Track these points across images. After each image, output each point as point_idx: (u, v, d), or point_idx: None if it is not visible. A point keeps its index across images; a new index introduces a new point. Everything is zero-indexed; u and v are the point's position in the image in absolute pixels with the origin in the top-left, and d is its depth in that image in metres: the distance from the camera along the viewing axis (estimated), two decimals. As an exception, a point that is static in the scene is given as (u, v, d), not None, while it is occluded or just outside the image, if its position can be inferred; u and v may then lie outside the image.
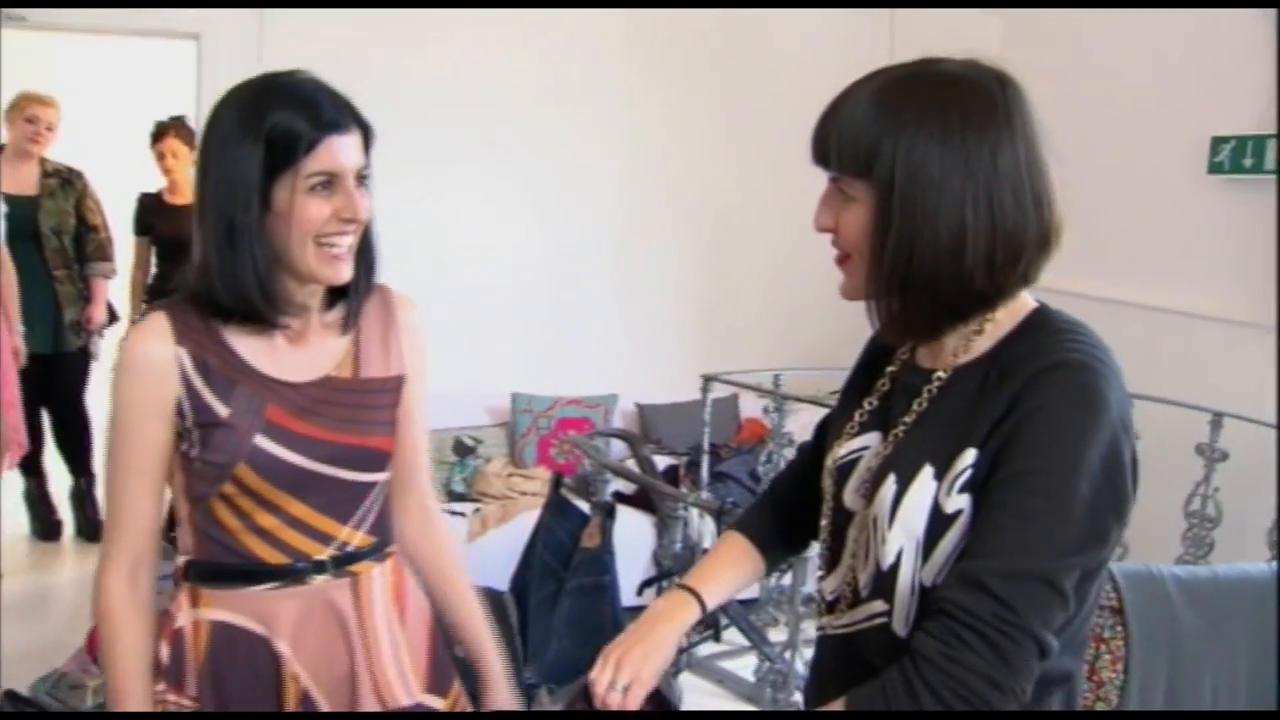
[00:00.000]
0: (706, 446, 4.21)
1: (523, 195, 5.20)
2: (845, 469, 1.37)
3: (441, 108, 5.01)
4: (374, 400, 1.64)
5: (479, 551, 4.19)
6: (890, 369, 1.39)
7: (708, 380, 4.12)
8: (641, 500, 4.20)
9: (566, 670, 2.97)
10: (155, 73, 5.82)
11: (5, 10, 4.44)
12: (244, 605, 1.58)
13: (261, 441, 1.53)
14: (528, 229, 5.24)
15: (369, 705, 1.62)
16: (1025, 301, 1.28)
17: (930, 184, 1.19)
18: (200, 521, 1.58)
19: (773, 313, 5.31)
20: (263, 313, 1.54)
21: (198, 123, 4.75)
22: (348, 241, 1.53)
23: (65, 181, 4.74)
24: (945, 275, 1.21)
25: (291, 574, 1.58)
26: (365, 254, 1.62)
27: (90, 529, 4.94)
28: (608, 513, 3.09)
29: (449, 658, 1.78)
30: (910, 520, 1.22)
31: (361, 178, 1.53)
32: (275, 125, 1.46)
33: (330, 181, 1.49)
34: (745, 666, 3.61)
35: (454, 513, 4.48)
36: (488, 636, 1.81)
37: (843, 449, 1.38)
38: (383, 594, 1.66)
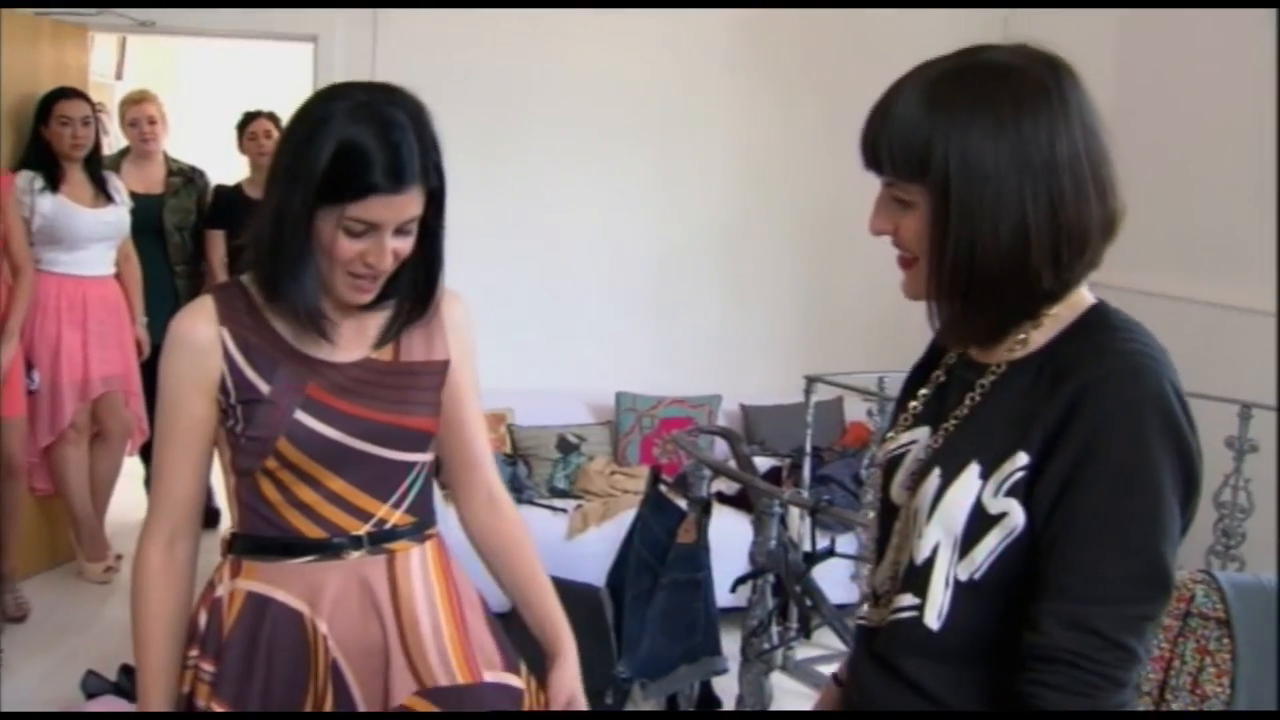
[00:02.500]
0: (809, 449, 4.15)
1: (629, 195, 5.21)
2: (894, 462, 1.34)
3: (550, 107, 5.06)
4: (415, 382, 1.67)
5: (578, 548, 4.21)
6: (946, 361, 1.36)
7: (811, 382, 4.07)
8: (740, 500, 4.17)
9: (659, 665, 2.96)
10: (274, 74, 6.02)
11: (119, 10, 4.60)
12: (282, 577, 1.61)
13: (301, 416, 1.57)
14: (634, 228, 5.25)
15: (402, 682, 1.62)
16: (1083, 296, 1.24)
17: (986, 182, 1.15)
18: (245, 495, 1.63)
19: (878, 314, 5.19)
20: (295, 303, 1.57)
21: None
22: (375, 277, 1.56)
23: (188, 180, 4.89)
24: (1010, 276, 1.17)
25: (328, 548, 1.61)
26: (423, 286, 1.64)
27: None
28: (704, 509, 3.07)
29: (510, 645, 1.78)
30: (950, 516, 1.20)
31: (405, 229, 1.54)
32: (350, 143, 1.47)
33: (367, 230, 1.51)
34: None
35: (555, 509, 4.51)
36: (561, 618, 1.79)
37: (893, 443, 1.36)
38: (423, 575, 1.67)
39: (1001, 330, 1.23)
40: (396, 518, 1.65)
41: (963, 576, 1.19)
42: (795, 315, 5.39)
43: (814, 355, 4.95)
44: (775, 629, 2.92)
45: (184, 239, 4.83)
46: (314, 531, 1.61)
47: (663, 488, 3.26)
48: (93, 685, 3.40)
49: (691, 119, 5.18)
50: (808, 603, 2.64)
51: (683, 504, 3.19)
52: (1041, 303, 1.20)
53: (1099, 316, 1.22)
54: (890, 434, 1.38)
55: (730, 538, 3.69)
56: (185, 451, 1.62)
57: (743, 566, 3.36)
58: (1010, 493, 1.15)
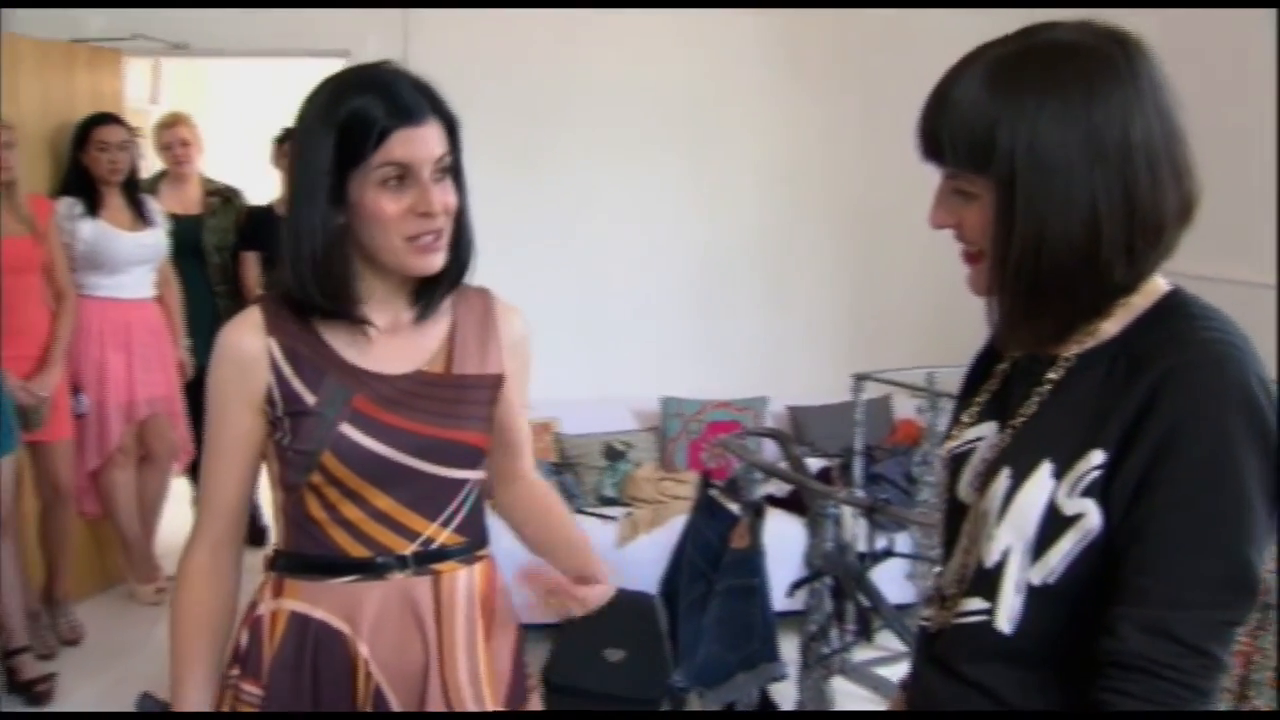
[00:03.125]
0: (860, 448, 4.08)
1: (668, 199, 5.17)
2: (960, 459, 1.28)
3: (587, 113, 5.03)
4: (467, 396, 1.61)
5: (629, 555, 4.16)
6: (1014, 353, 1.28)
7: (859, 380, 4.00)
8: (793, 502, 4.10)
9: (716, 673, 2.90)
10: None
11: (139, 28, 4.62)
12: (324, 597, 1.57)
13: (347, 430, 1.52)
14: (676, 231, 5.20)
15: (435, 706, 1.58)
16: (1157, 283, 1.16)
17: (1056, 172, 1.08)
18: (291, 511, 1.59)
19: (924, 309, 5.13)
20: (328, 310, 1.53)
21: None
22: (433, 234, 1.50)
23: (226, 200, 4.90)
24: (1080, 271, 1.10)
25: (371, 568, 1.57)
26: (457, 247, 1.57)
27: (250, 534, 5.09)
28: (756, 512, 3.01)
29: (527, 680, 1.73)
30: (1022, 519, 1.13)
31: (442, 170, 1.50)
32: (351, 112, 1.45)
33: (403, 176, 1.46)
34: (901, 673, 3.46)
35: (604, 517, 4.47)
36: (595, 556, 1.72)
37: (959, 438, 1.29)
38: (467, 598, 1.62)
39: (1069, 329, 1.16)
40: (445, 537, 1.59)
41: (1036, 580, 1.13)
42: (839, 313, 5.32)
43: (859, 353, 4.88)
44: (834, 633, 2.85)
45: (224, 259, 4.83)
46: (358, 550, 1.56)
47: (713, 493, 3.21)
48: (147, 705, 3.39)
49: (729, 120, 5.13)
50: (867, 604, 2.57)
51: (734, 508, 3.13)
52: (1113, 297, 1.14)
53: (1177, 303, 1.15)
54: (955, 429, 1.31)
55: (784, 541, 3.62)
56: (232, 464, 1.59)
57: (798, 570, 3.29)
58: (1086, 493, 1.09)
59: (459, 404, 1.59)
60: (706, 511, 3.17)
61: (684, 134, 5.11)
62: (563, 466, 4.73)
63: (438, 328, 1.61)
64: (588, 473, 4.76)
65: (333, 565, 1.57)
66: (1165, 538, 1.05)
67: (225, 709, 1.61)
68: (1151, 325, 1.13)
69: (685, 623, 3.07)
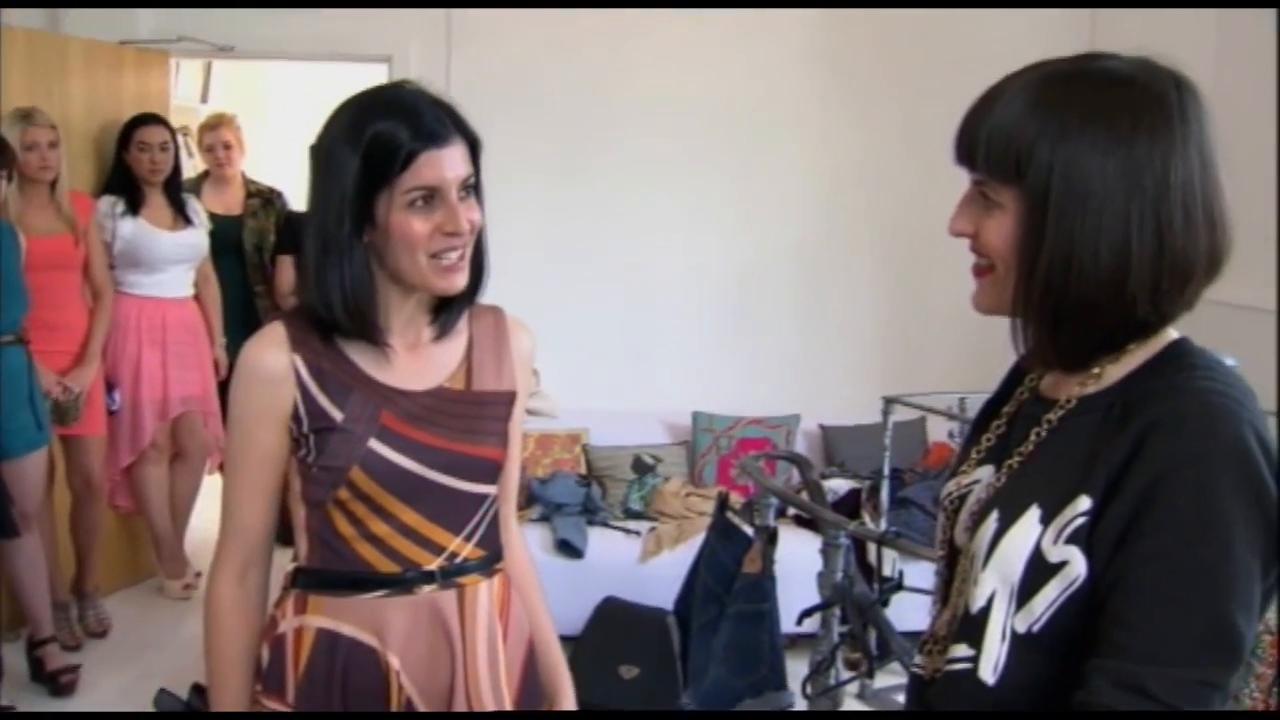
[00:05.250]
0: (887, 471, 4.03)
1: (707, 212, 5.14)
2: (958, 502, 1.25)
3: (629, 124, 5.02)
4: (486, 411, 1.63)
5: (651, 571, 4.14)
6: (1019, 395, 1.27)
7: (889, 402, 3.95)
8: (816, 523, 4.05)
9: (723, 698, 2.87)
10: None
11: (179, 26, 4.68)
12: (351, 613, 1.57)
13: (376, 445, 1.53)
14: (714, 244, 5.17)
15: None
16: (1166, 332, 1.14)
17: (1091, 197, 1.07)
18: (316, 527, 1.59)
19: (962, 332, 5.03)
20: (351, 329, 1.54)
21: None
22: (458, 252, 1.52)
23: (267, 201, 4.95)
24: (1104, 301, 1.09)
25: (400, 583, 1.57)
26: (473, 265, 1.58)
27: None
28: (769, 538, 2.98)
29: (538, 682, 1.75)
30: (1007, 563, 1.11)
31: (466, 188, 1.51)
32: (375, 136, 1.46)
33: (430, 196, 1.48)
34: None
35: (629, 531, 4.45)
36: (561, 663, 1.79)
37: (959, 481, 1.27)
38: (488, 609, 1.63)
39: (1090, 355, 1.14)
40: (467, 551, 1.61)
41: (1020, 628, 1.10)
42: (877, 333, 5.25)
43: (896, 374, 4.82)
44: (841, 664, 2.81)
45: (263, 259, 4.89)
46: (386, 565, 1.57)
47: (730, 514, 3.18)
48: (165, 703, 3.43)
49: (771, 135, 5.09)
50: (871, 638, 2.52)
51: (750, 531, 3.10)
52: (1132, 333, 1.12)
53: (1180, 352, 1.12)
54: (960, 471, 1.29)
55: (804, 566, 3.57)
56: (256, 482, 1.60)
57: (816, 595, 3.25)
58: (1071, 540, 1.06)
59: (479, 419, 1.61)
60: (722, 533, 3.14)
61: (725, 148, 5.07)
62: (589, 478, 4.72)
63: (456, 345, 1.63)
64: (615, 485, 4.74)
65: (361, 581, 1.57)
66: (1143, 590, 1.02)
67: None
68: (1150, 373, 1.11)
69: (697, 645, 3.05)
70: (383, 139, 1.46)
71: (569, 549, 4.23)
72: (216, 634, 1.62)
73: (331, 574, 1.58)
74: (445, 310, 1.61)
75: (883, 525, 3.73)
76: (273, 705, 1.59)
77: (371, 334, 1.55)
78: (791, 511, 4.18)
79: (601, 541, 4.36)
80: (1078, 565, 1.06)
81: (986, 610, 1.12)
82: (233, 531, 1.62)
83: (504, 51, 4.88)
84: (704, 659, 2.97)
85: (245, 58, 4.98)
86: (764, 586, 2.91)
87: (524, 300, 5.24)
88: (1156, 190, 1.06)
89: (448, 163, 1.47)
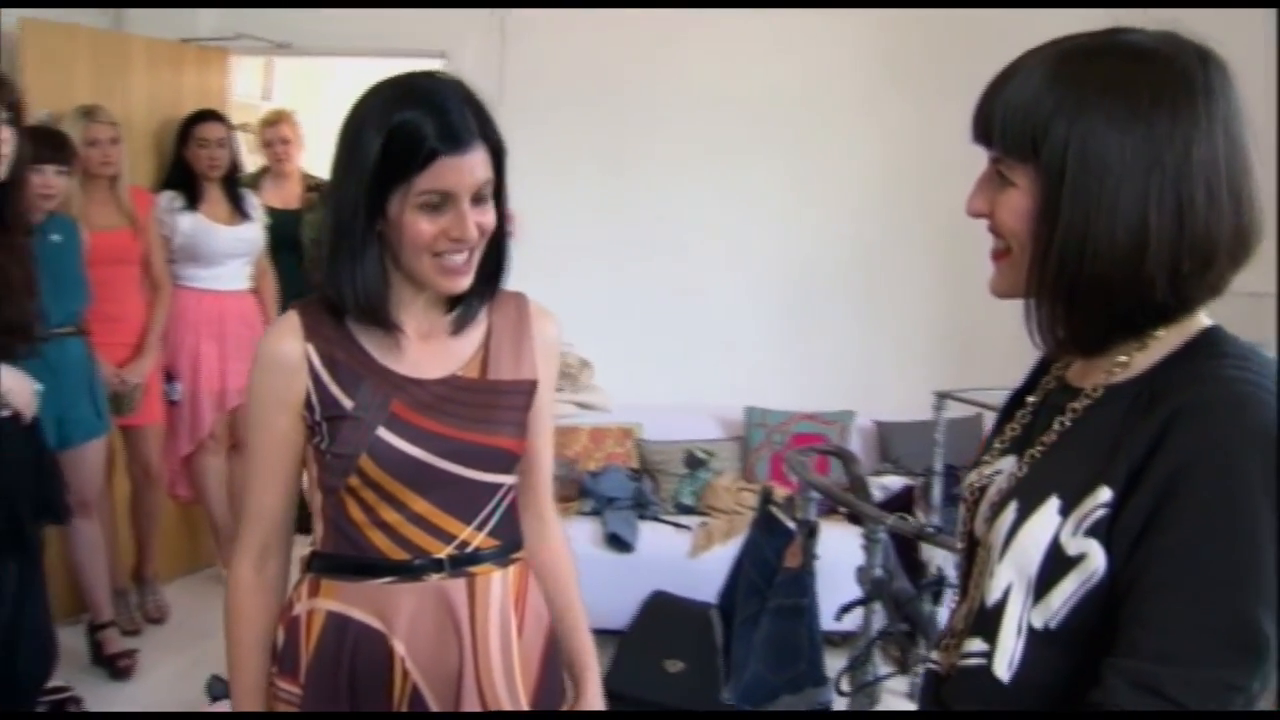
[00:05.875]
0: (940, 468, 3.97)
1: (761, 207, 5.11)
2: (979, 493, 1.22)
3: (682, 118, 5.00)
4: (501, 401, 1.62)
5: (701, 565, 4.13)
6: (1045, 385, 1.23)
7: (941, 397, 3.89)
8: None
9: (761, 693, 2.85)
10: None
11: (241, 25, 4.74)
12: (360, 597, 1.58)
13: (384, 434, 1.54)
14: (768, 239, 5.14)
15: (470, 706, 1.59)
16: (1198, 320, 1.09)
17: (1108, 174, 1.03)
18: (330, 513, 1.60)
19: (1020, 327, 4.97)
20: (363, 318, 1.54)
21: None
22: (463, 256, 1.52)
23: (324, 196, 5.00)
24: (1120, 281, 1.05)
25: (409, 570, 1.58)
26: (491, 262, 1.59)
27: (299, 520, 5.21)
28: (809, 532, 2.94)
29: (560, 676, 1.74)
30: (1023, 555, 1.07)
31: (482, 194, 1.50)
32: (401, 125, 1.45)
33: (442, 200, 1.47)
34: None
35: (679, 525, 4.44)
36: (590, 654, 1.77)
37: (980, 472, 1.24)
38: (501, 599, 1.63)
39: (1105, 341, 1.10)
40: (479, 540, 1.60)
41: (1037, 623, 1.06)
42: (932, 328, 5.18)
43: (954, 369, 4.75)
44: (880, 660, 2.77)
45: (320, 253, 4.93)
46: (396, 553, 1.58)
47: (773, 508, 3.15)
48: (217, 690, 3.49)
49: (825, 129, 5.05)
50: (906, 633, 2.49)
51: (793, 525, 3.07)
52: (1152, 319, 1.08)
53: (1210, 340, 1.08)
54: (982, 461, 1.26)
55: (854, 556, 3.54)
56: (274, 469, 1.61)
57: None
58: (1091, 532, 1.02)
59: (493, 409, 1.60)
60: (765, 527, 3.11)
61: (779, 142, 5.04)
62: (641, 472, 4.72)
63: (473, 333, 1.63)
64: (667, 480, 4.73)
65: (370, 567, 1.58)
66: (1162, 586, 0.97)
67: (270, 707, 1.64)
68: (1179, 361, 1.07)
69: (738, 639, 3.03)
70: (407, 129, 1.44)
71: (619, 543, 4.23)
72: (235, 618, 1.63)
73: (343, 559, 1.60)
74: (461, 303, 1.61)
75: (935, 522, 3.67)
76: (286, 686, 1.61)
77: (383, 323, 1.55)
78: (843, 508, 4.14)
79: (652, 535, 4.36)
80: (1096, 559, 1.02)
81: (1002, 604, 1.09)
82: (251, 517, 1.64)
83: (557, 47, 4.89)
84: (744, 654, 2.95)
85: (302, 54, 5.04)
86: (804, 581, 2.88)
87: (577, 293, 5.29)
88: (1177, 168, 1.02)
89: (466, 168, 1.46)
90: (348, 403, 1.54)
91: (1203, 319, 1.10)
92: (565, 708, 1.73)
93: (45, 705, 3.20)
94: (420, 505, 1.57)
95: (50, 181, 3.48)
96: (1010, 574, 1.08)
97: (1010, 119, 1.08)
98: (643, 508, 4.53)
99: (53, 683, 3.31)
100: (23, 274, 2.50)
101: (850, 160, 5.07)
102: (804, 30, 4.95)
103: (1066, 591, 1.04)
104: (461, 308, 1.61)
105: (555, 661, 1.74)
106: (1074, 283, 1.06)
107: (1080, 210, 1.04)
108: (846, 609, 2.58)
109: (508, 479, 1.63)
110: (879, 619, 2.52)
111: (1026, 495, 1.10)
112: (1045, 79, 1.06)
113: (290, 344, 1.56)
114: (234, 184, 4.41)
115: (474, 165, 1.46)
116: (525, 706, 1.64)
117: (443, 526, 1.58)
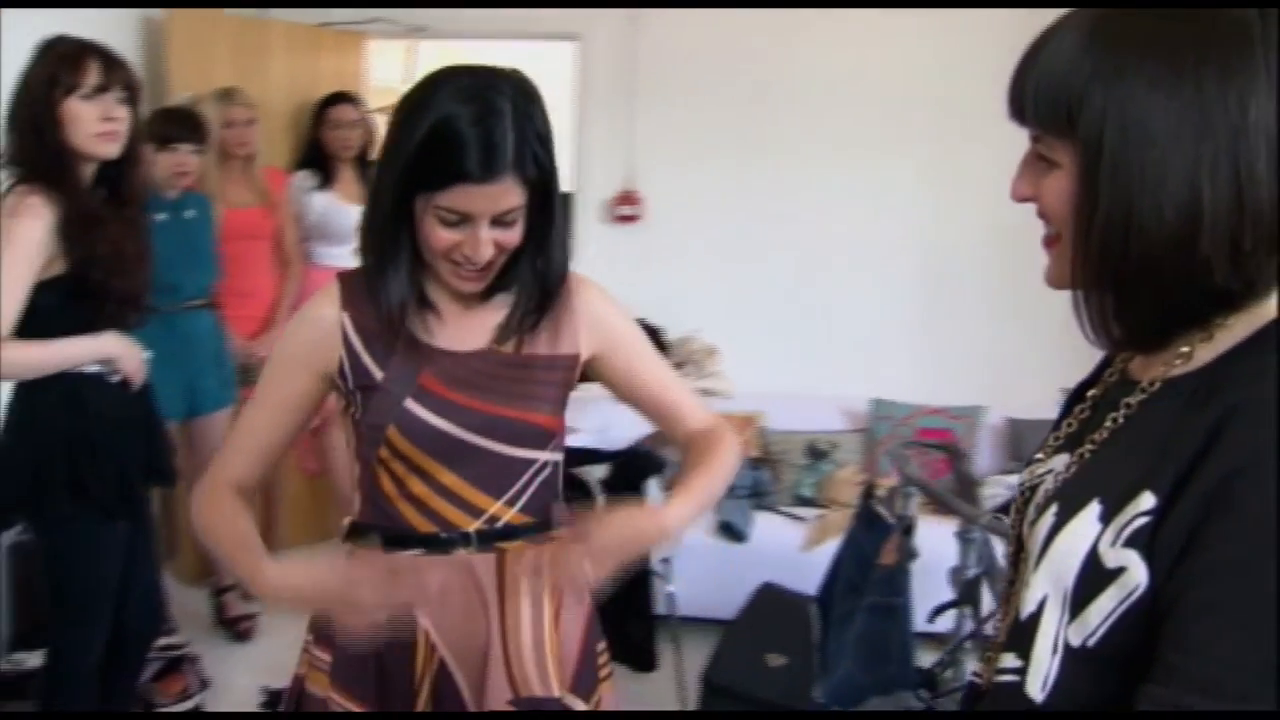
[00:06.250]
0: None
1: (894, 195, 4.97)
2: (1029, 494, 1.12)
3: (815, 106, 4.90)
4: (538, 376, 1.60)
5: (814, 559, 4.03)
6: (1107, 378, 1.13)
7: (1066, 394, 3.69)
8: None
9: (851, 693, 2.76)
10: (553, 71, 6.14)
11: (380, 13, 4.83)
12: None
13: (411, 406, 1.53)
14: (901, 229, 4.99)
15: (497, 685, 1.58)
16: (1269, 307, 0.96)
17: (1151, 143, 0.91)
18: (365, 485, 1.62)
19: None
20: (390, 284, 1.53)
21: (575, 121, 4.94)
22: (477, 268, 1.50)
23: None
24: (1172, 264, 0.93)
25: (436, 543, 1.58)
26: (537, 276, 1.56)
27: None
28: (906, 529, 2.83)
29: (596, 663, 1.72)
30: (1060, 565, 0.96)
31: (505, 220, 1.46)
32: (437, 132, 1.40)
33: (460, 220, 1.45)
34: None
35: (795, 517, 4.36)
36: (698, 484, 1.63)
37: (1034, 471, 1.13)
38: (534, 577, 1.61)
39: (1162, 334, 0.99)
40: (511, 515, 1.60)
41: (1075, 641, 0.94)
42: (1070, 323, 4.92)
43: (1090, 366, 4.52)
44: (969, 664, 2.65)
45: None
46: (424, 525, 1.58)
47: (874, 502, 3.05)
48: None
49: (960, 119, 4.85)
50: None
51: (892, 521, 2.96)
52: (1215, 305, 0.96)
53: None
54: (1035, 459, 1.16)
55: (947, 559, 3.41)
56: (274, 417, 1.61)
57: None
58: (1131, 543, 0.91)
59: (527, 384, 1.59)
60: (866, 522, 3.01)
61: (913, 130, 4.88)
62: (761, 462, 4.64)
63: (507, 307, 1.60)
64: (787, 470, 4.65)
65: (400, 538, 1.59)
66: (1206, 609, 0.85)
67: (301, 672, 1.67)
68: (1245, 353, 0.95)
69: (833, 636, 2.94)
70: (443, 140, 1.40)
71: (731, 532, 4.18)
72: (215, 516, 1.58)
73: (376, 529, 1.60)
74: (510, 319, 1.59)
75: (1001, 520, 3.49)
76: (319, 653, 1.63)
77: (402, 310, 1.54)
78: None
79: (767, 526, 4.29)
80: (1137, 573, 0.90)
81: (1037, 617, 0.98)
82: (232, 450, 1.63)
83: (690, 32, 4.84)
84: (838, 651, 2.87)
85: (436, 38, 5.12)
86: (898, 580, 2.77)
87: (704, 280, 5.23)
88: (1232, 132, 0.89)
89: (488, 197, 1.43)
90: (378, 373, 1.55)
91: (1273, 305, 0.96)
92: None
93: (159, 660, 3.34)
94: (448, 478, 1.56)
95: (184, 160, 3.62)
96: (1046, 585, 0.97)
97: (1043, 91, 0.97)
98: (760, 497, 4.46)
99: (172, 640, 3.46)
100: (137, 247, 2.59)
101: (985, 149, 4.85)
102: (941, 18, 4.77)
103: (1105, 609, 0.92)
104: (507, 319, 1.58)
105: (596, 649, 1.71)
106: (1120, 269, 0.95)
107: (1122, 187, 0.93)
108: (939, 610, 2.47)
109: (542, 455, 1.61)
110: (970, 622, 2.40)
111: (1069, 498, 0.99)
112: (1079, 43, 0.95)
113: (327, 310, 1.58)
114: (366, 164, 4.51)
115: (498, 194, 1.43)
116: (556, 691, 1.62)
117: (471, 500, 1.57)
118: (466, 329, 1.59)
